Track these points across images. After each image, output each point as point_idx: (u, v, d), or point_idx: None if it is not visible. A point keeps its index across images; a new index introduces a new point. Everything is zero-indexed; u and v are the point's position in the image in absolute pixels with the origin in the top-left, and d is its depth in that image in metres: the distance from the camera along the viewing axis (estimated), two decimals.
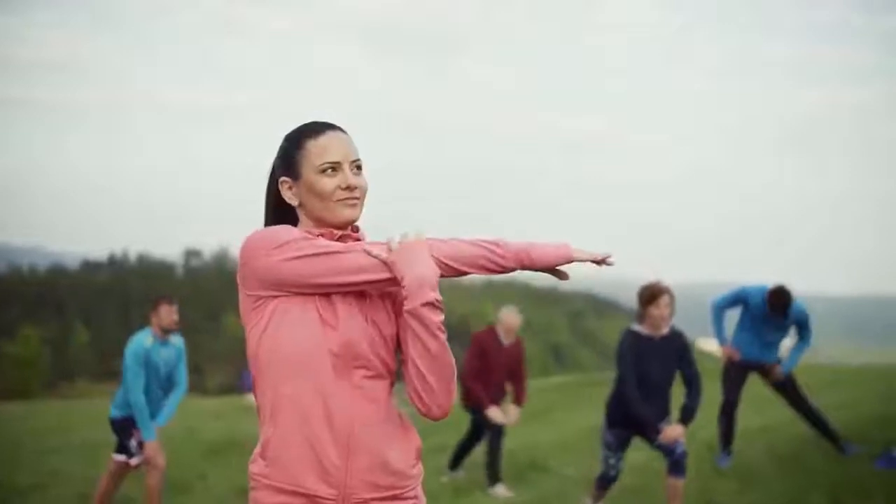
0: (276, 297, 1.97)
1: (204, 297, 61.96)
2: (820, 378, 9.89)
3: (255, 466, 2.02)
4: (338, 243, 2.00)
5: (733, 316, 6.73)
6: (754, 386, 6.95)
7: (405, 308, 1.94)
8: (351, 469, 1.95)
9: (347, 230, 2.07)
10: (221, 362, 52.49)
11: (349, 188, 2.02)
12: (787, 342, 6.69)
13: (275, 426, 1.97)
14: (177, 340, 6.06)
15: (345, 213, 2.03)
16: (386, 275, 1.96)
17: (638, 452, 5.63)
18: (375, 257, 1.96)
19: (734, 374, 6.67)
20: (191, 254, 75.70)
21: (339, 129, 2.08)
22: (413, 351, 1.96)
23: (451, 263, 2.00)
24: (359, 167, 2.06)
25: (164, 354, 5.92)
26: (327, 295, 1.98)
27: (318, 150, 2.03)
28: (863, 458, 6.23)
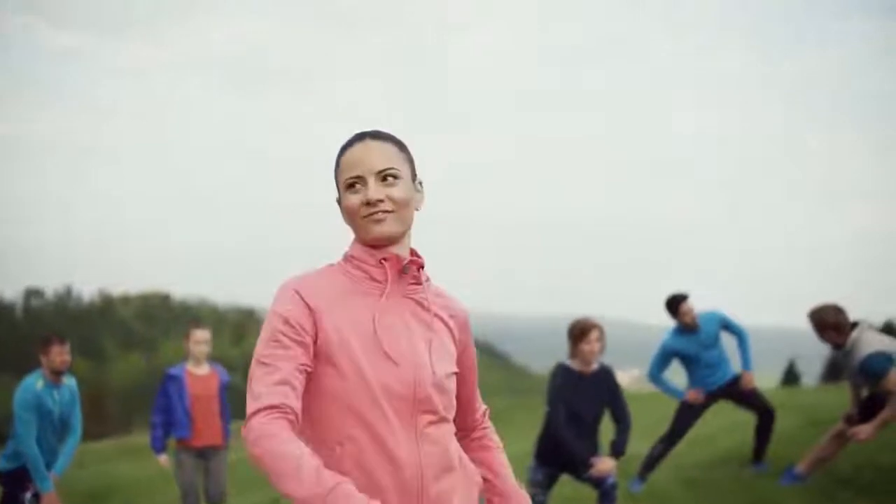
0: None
1: None
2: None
3: None
4: (280, 353, 1.74)
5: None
6: (654, 413, 7.08)
7: None
8: None
9: (408, 257, 1.88)
10: None
11: (369, 203, 1.82)
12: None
13: None
14: (70, 382, 5.62)
15: (373, 231, 1.83)
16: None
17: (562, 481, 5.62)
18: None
19: (695, 408, 6.67)
20: (31, 293, 71.32)
21: (374, 136, 1.87)
22: None
23: None
24: (393, 176, 1.83)
25: (58, 398, 5.47)
26: (389, 327, 1.82)
27: (345, 166, 1.87)
28: (766, 476, 6.46)
